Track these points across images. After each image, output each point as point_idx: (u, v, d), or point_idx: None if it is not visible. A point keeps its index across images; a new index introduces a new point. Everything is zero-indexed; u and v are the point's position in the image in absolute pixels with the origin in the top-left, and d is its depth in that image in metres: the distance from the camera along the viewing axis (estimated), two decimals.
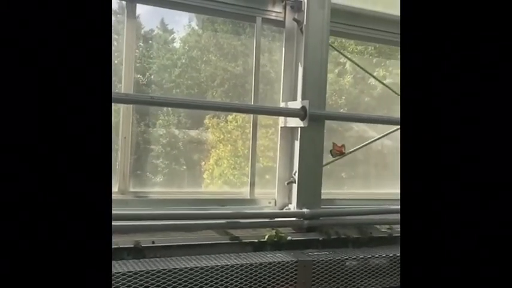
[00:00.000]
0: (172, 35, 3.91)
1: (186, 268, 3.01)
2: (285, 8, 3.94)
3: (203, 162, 3.90)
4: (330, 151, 4.05)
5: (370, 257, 3.61)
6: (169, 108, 3.76)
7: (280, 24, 3.98)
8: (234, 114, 3.92)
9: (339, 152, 4.06)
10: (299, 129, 3.77)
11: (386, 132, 4.30)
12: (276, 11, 3.93)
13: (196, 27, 3.99)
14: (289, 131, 3.94)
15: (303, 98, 3.74)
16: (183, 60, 3.90)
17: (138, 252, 3.11)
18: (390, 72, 4.59)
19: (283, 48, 3.98)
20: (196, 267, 3.04)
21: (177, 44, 3.95)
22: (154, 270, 2.93)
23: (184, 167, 3.85)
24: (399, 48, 4.60)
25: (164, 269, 2.95)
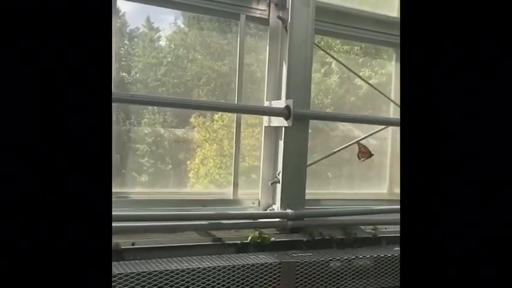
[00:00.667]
0: (158, 33, 3.93)
1: (166, 270, 3.02)
2: (269, 6, 3.98)
3: (189, 162, 3.93)
4: (358, 154, 4.17)
5: (354, 258, 3.65)
6: (155, 107, 3.79)
7: (265, 22, 4.02)
8: (220, 113, 3.97)
9: (367, 155, 4.17)
10: (283, 128, 3.82)
11: (371, 132, 4.39)
12: (260, 9, 3.97)
13: (183, 26, 4.03)
14: (273, 131, 3.98)
15: (287, 97, 3.79)
16: (169, 59, 3.93)
17: (117, 254, 3.11)
18: (376, 72, 4.69)
19: (267, 47, 4.01)
20: (178, 270, 3.05)
21: (162, 42, 3.98)
22: (134, 273, 2.93)
23: (170, 166, 3.89)
24: (386, 48, 4.72)
25: (144, 272, 2.95)
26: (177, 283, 3.03)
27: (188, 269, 3.09)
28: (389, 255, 3.79)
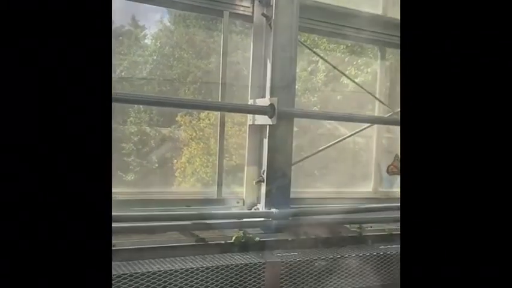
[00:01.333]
0: (143, 32, 3.95)
1: (148, 272, 3.02)
2: (253, 3, 4.01)
3: (175, 160, 3.96)
4: (388, 167, 4.24)
5: (339, 257, 3.70)
6: (141, 106, 3.81)
7: (249, 19, 4.05)
8: (207, 111, 3.99)
9: (396, 170, 4.24)
10: (267, 127, 3.85)
11: (357, 130, 4.47)
12: (244, 6, 4.00)
13: (168, 24, 4.05)
14: (257, 129, 4.02)
15: (271, 95, 3.82)
16: (155, 57, 3.95)
17: None
18: (361, 70, 4.77)
19: (252, 44, 4.05)
20: (160, 271, 3.05)
21: (148, 41, 4.00)
22: (115, 275, 2.92)
23: (156, 165, 3.91)
24: (371, 46, 4.79)
25: (125, 274, 2.96)
26: (159, 285, 3.03)
27: (170, 270, 3.09)
28: (374, 253, 3.85)
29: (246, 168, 4.02)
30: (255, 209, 4.00)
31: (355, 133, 4.49)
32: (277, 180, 3.91)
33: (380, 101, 4.65)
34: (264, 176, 3.90)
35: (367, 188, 4.75)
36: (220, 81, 3.92)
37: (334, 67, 4.41)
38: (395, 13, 4.47)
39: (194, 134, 4.01)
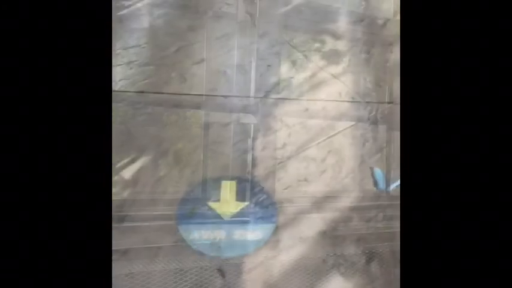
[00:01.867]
0: (126, 31, 3.93)
1: (131, 273, 3.06)
2: (237, 0, 4.06)
3: (161, 160, 3.96)
4: None
5: (326, 256, 3.79)
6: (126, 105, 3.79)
7: (233, 17, 4.05)
8: (192, 110, 4.00)
9: None
10: (252, 126, 3.90)
11: (339, 130, 4.52)
12: (227, 3, 4.02)
13: (153, 22, 4.04)
14: (242, 128, 4.01)
15: (256, 94, 3.87)
16: (138, 56, 3.94)
17: None
18: (346, 69, 4.82)
19: (236, 42, 4.08)
20: (143, 272, 3.09)
21: (132, 40, 3.98)
22: None
23: (143, 165, 3.90)
24: (357, 45, 4.80)
25: None
26: (142, 287, 3.06)
27: (154, 271, 3.12)
28: (359, 252, 3.91)
29: (230, 167, 4.04)
30: (240, 209, 4.01)
31: (337, 133, 4.53)
32: (262, 179, 3.93)
33: (364, 100, 4.71)
34: (249, 175, 3.93)
35: (354, 187, 4.79)
36: (204, 79, 3.93)
37: (320, 67, 4.46)
38: (378, 12, 4.54)
39: (180, 133, 4.01)
